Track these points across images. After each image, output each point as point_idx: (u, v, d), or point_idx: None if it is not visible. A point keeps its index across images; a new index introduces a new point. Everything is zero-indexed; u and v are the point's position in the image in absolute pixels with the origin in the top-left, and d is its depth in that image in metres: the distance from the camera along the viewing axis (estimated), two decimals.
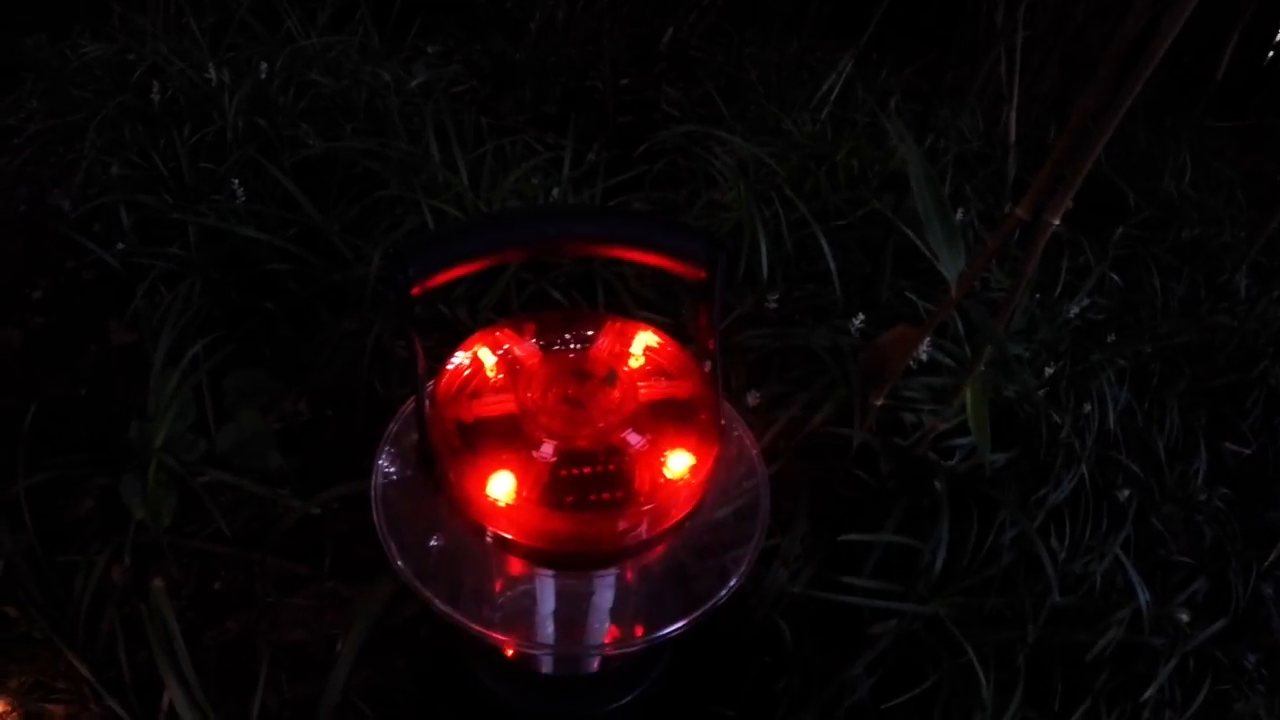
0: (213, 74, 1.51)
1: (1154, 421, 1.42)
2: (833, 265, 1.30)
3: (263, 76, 1.53)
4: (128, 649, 0.95)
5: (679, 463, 0.68)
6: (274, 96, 1.53)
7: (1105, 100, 0.87)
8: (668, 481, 0.67)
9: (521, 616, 0.78)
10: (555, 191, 1.40)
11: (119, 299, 1.36)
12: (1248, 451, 1.55)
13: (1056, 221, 0.90)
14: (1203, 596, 1.27)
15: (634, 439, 0.68)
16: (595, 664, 0.93)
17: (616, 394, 0.71)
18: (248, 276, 1.33)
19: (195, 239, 1.34)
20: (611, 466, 0.67)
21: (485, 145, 1.46)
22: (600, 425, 0.68)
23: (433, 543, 0.75)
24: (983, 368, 1.03)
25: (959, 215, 1.48)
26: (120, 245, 1.34)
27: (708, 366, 0.74)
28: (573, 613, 0.78)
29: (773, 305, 1.25)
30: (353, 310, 1.25)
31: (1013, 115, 1.81)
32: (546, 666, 0.93)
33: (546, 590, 0.77)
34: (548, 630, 0.78)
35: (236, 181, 1.33)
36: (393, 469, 0.79)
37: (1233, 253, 1.79)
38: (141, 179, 1.43)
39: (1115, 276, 1.59)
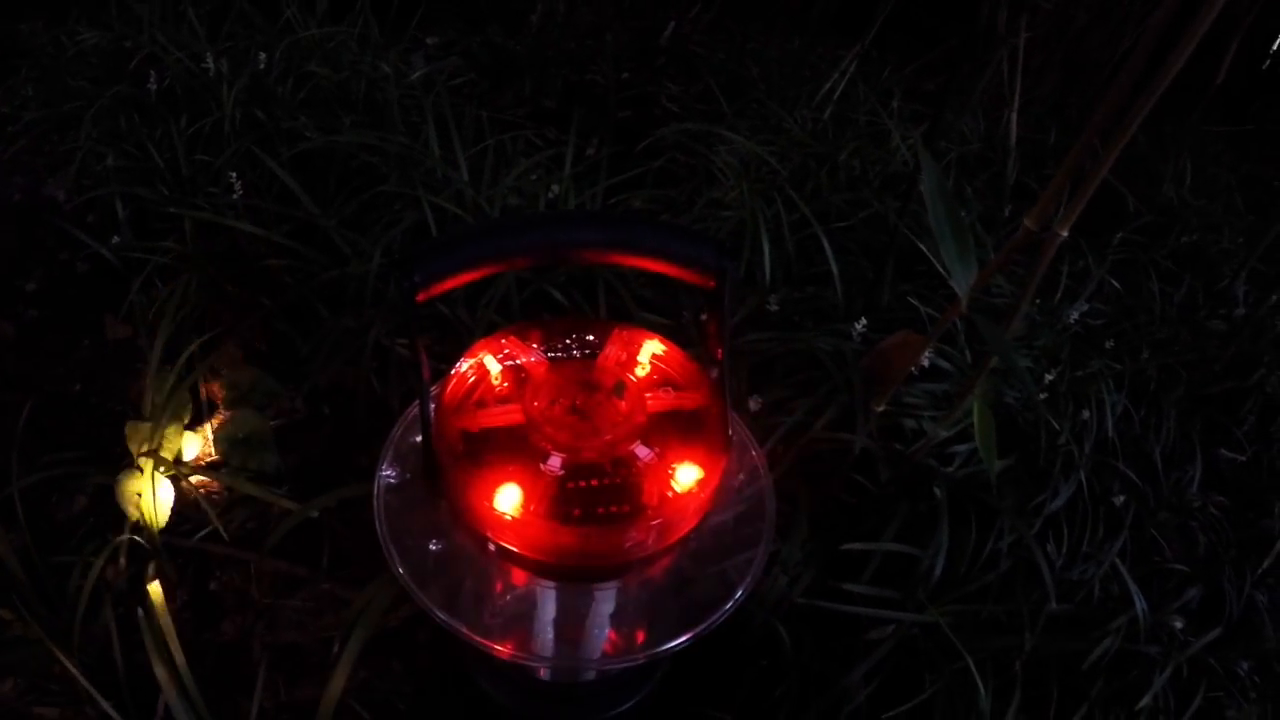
0: (210, 64, 1.48)
1: (1151, 428, 1.42)
2: (835, 268, 1.30)
3: (261, 67, 1.51)
4: (123, 651, 0.94)
5: (687, 476, 0.67)
6: (272, 87, 1.51)
7: (1118, 114, 0.86)
8: (676, 495, 0.66)
9: (521, 626, 0.77)
10: (556, 189, 1.39)
11: (114, 292, 1.34)
12: (1242, 459, 1.55)
13: (1065, 234, 0.90)
14: (1197, 604, 1.27)
15: (642, 451, 0.67)
16: (595, 672, 0.93)
17: (624, 405, 0.70)
18: (244, 271, 1.32)
19: (191, 232, 1.32)
20: (619, 479, 0.66)
21: (486, 140, 1.45)
22: (608, 437, 0.67)
23: (434, 549, 0.75)
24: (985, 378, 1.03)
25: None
26: (116, 239, 1.32)
27: (715, 374, 0.73)
28: (574, 624, 0.77)
29: (774, 308, 1.24)
30: (351, 307, 1.24)
31: (1014, 117, 1.81)
32: (546, 673, 0.93)
33: (548, 601, 0.76)
34: (548, 641, 0.78)
35: (234, 175, 1.32)
36: (395, 475, 0.78)
37: (1231, 259, 1.79)
38: (137, 170, 1.42)
39: (1115, 282, 1.59)
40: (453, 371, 0.73)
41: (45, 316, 1.37)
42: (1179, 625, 1.19)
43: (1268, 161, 2.31)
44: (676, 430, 0.70)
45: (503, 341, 0.75)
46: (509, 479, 0.65)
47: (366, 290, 1.22)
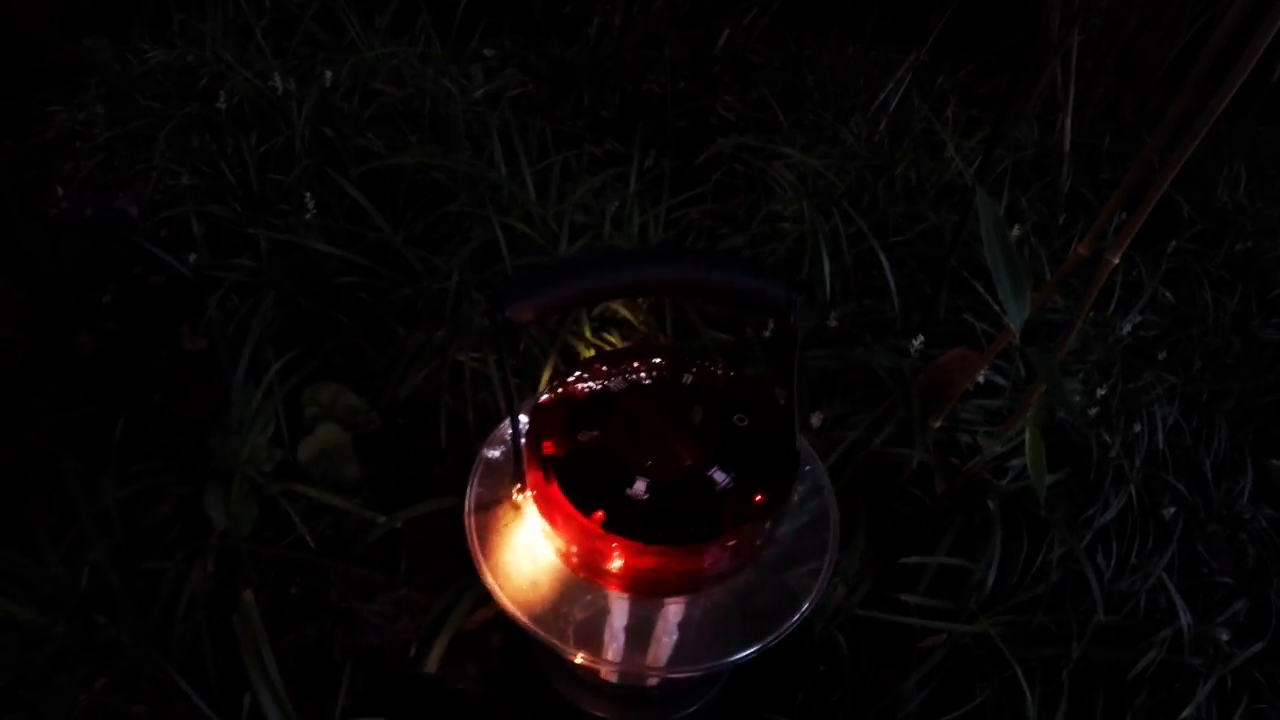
0: (278, 82, 1.53)
1: (1202, 440, 1.43)
2: (892, 283, 1.32)
3: (327, 85, 1.56)
4: (211, 651, 0.99)
5: (760, 498, 0.71)
6: (339, 105, 1.56)
7: (1180, 124, 0.87)
8: (750, 516, 0.70)
9: (598, 635, 0.81)
10: (614, 206, 1.42)
11: (188, 306, 1.40)
12: None
13: (1116, 260, 0.92)
14: (1243, 616, 1.28)
15: (720, 476, 0.71)
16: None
17: (703, 429, 0.74)
18: (319, 288, 1.36)
19: (266, 250, 1.37)
20: (699, 502, 0.70)
21: (550, 156, 1.49)
22: (689, 462, 0.72)
23: (519, 560, 0.79)
24: (1036, 399, 1.06)
25: (1015, 231, 1.49)
26: (193, 256, 1.37)
27: (784, 399, 0.77)
28: (646, 634, 0.81)
29: (833, 324, 1.27)
30: (424, 324, 1.29)
31: (1068, 122, 1.80)
32: (616, 677, 0.97)
33: (623, 612, 0.80)
34: (622, 650, 0.81)
35: (308, 194, 1.36)
36: (485, 490, 0.83)
37: None
38: (210, 188, 1.47)
39: (1167, 292, 1.59)
40: (542, 396, 0.78)
41: (123, 329, 1.42)
42: (1225, 638, 1.20)
43: None
44: (750, 454, 0.74)
45: (590, 367, 0.79)
46: (596, 500, 0.69)
47: (445, 308, 1.26)
